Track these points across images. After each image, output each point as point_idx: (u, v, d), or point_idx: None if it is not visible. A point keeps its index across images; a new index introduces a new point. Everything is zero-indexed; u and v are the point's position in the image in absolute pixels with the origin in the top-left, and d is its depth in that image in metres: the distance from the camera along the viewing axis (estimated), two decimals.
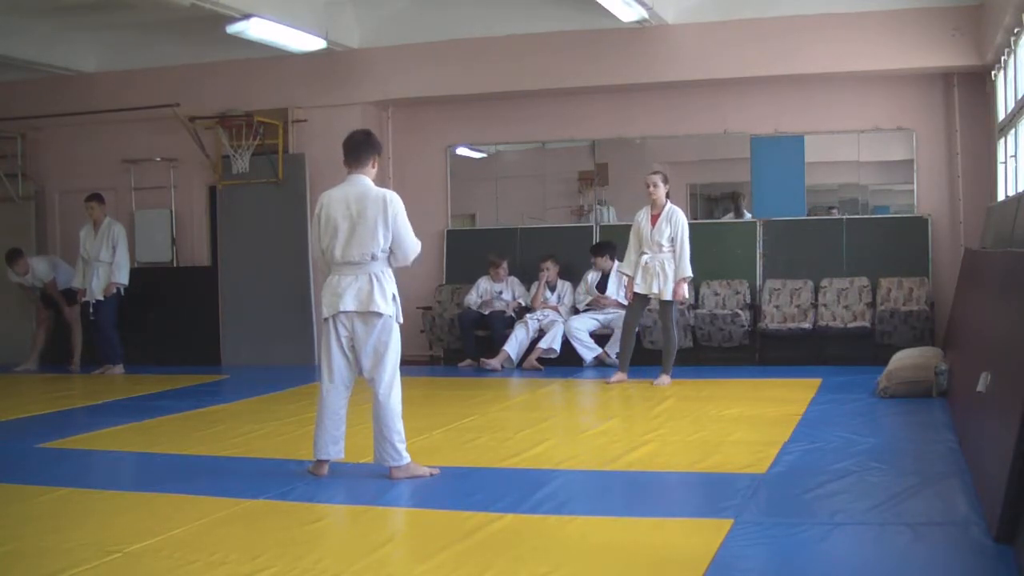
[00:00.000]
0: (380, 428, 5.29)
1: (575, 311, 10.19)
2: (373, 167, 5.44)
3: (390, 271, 5.37)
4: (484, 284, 10.59)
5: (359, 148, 5.42)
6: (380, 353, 5.29)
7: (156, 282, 11.41)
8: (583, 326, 9.89)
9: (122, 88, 11.41)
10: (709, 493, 5.01)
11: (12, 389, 9.75)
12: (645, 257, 8.55)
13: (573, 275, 10.40)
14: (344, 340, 5.34)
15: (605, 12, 9.28)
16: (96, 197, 10.69)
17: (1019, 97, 7.42)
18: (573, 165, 11.10)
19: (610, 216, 10.93)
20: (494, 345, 10.08)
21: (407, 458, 5.32)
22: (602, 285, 10.13)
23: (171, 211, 11.66)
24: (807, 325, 9.59)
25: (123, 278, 10.54)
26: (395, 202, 5.32)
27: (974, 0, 9.12)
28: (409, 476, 5.29)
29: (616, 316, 9.63)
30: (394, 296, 5.34)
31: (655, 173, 8.68)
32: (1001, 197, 8.36)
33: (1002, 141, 8.37)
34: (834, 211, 10.35)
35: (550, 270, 10.32)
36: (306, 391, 8.64)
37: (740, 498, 4.69)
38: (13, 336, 11.57)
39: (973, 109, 9.61)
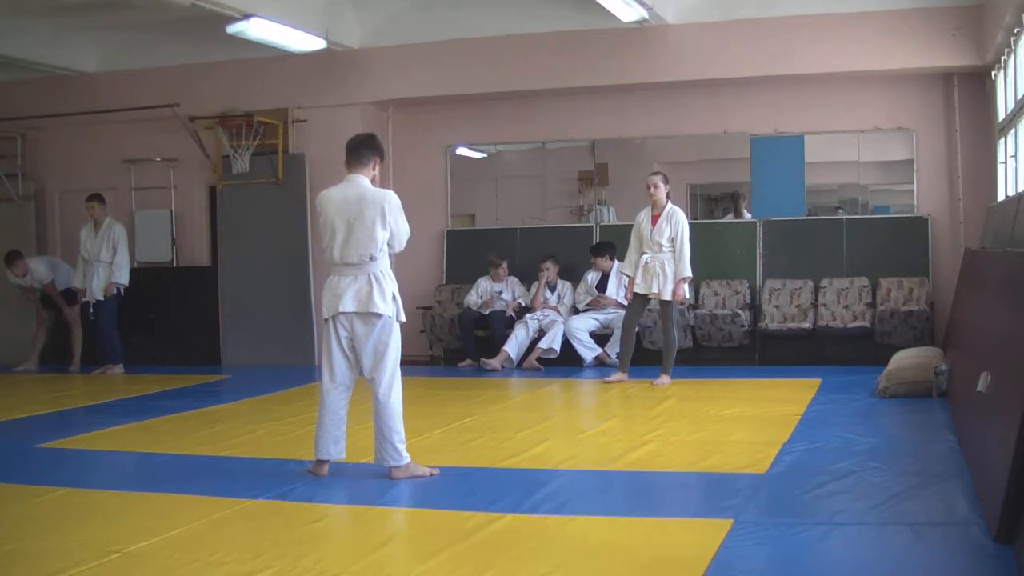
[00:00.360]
0: (380, 428, 5.29)
1: (575, 311, 10.19)
2: (374, 169, 5.44)
3: (390, 271, 5.37)
4: (484, 284, 10.59)
5: (360, 148, 5.43)
6: (380, 353, 5.29)
7: (156, 282, 11.42)
8: (583, 326, 9.89)
9: (122, 88, 11.41)
10: (709, 493, 5.01)
11: (12, 389, 9.75)
12: (645, 257, 8.56)
13: (573, 275, 10.40)
14: (344, 340, 5.34)
15: (605, 12, 9.28)
16: (97, 197, 10.69)
17: (1019, 97, 7.42)
18: (573, 165, 11.11)
19: (610, 216, 10.93)
20: (494, 345, 10.08)
21: (407, 458, 5.32)
22: (602, 285, 10.13)
23: (171, 211, 11.66)
24: (807, 325, 9.59)
25: (123, 278, 10.55)
26: (393, 202, 5.33)
27: (974, 0, 9.12)
28: (409, 476, 5.29)
29: (616, 316, 9.63)
30: (394, 296, 5.34)
31: (656, 174, 8.69)
32: (1001, 197, 8.36)
33: (1002, 141, 8.37)
34: (841, 212, 10.34)
35: (550, 270, 10.32)
36: (306, 391, 8.65)
37: (740, 498, 4.70)
38: (13, 336, 11.57)
39: (973, 109, 9.61)
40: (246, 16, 9.03)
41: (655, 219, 8.57)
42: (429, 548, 4.08)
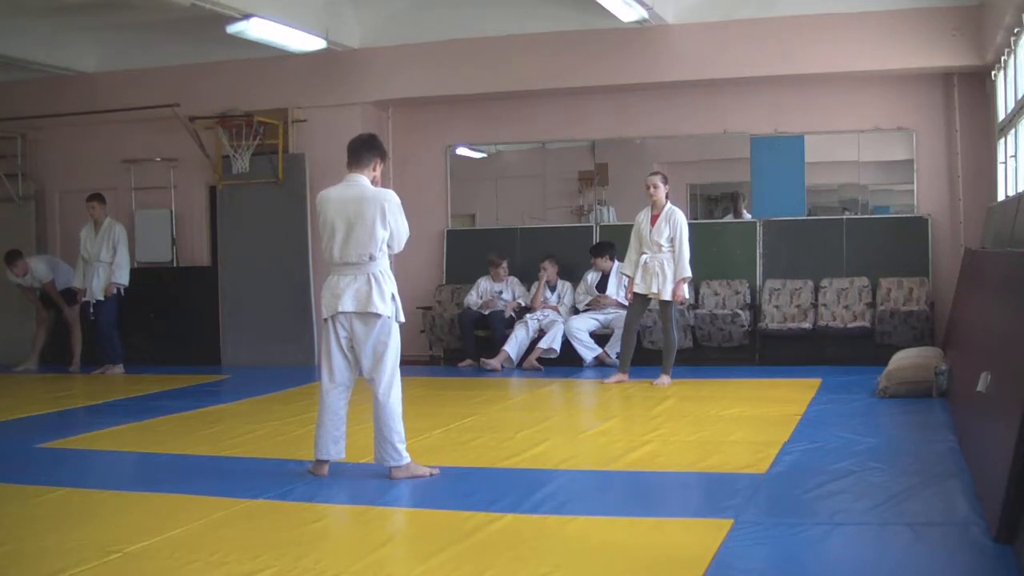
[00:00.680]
0: (380, 428, 5.29)
1: (575, 311, 10.19)
2: (374, 170, 5.44)
3: (390, 271, 5.37)
4: (484, 284, 10.59)
5: (361, 149, 5.42)
6: (379, 353, 5.29)
7: (156, 282, 11.42)
8: (583, 326, 9.89)
9: (122, 88, 11.41)
10: (709, 493, 5.01)
11: (12, 389, 9.75)
12: (645, 257, 8.56)
13: (573, 275, 10.40)
14: (344, 340, 5.34)
15: (605, 12, 9.28)
16: (97, 197, 10.69)
17: (1019, 97, 7.41)
18: (573, 165, 11.11)
19: (610, 216, 10.93)
20: (494, 345, 10.08)
21: (407, 458, 5.32)
22: (602, 285, 10.13)
23: (171, 211, 11.66)
24: (807, 325, 9.59)
25: (123, 278, 10.55)
26: (393, 201, 5.33)
27: (974, 0, 9.12)
28: (409, 476, 5.29)
29: (616, 316, 9.63)
30: (393, 296, 5.34)
31: (655, 174, 8.69)
32: (1001, 197, 8.36)
33: (1002, 141, 8.37)
34: (847, 212, 10.33)
35: (550, 270, 10.32)
36: (306, 391, 8.64)
37: (740, 498, 4.70)
38: (13, 336, 11.57)
39: (973, 109, 9.61)
40: (246, 16, 9.03)
41: (654, 219, 8.57)
42: (429, 548, 4.07)
